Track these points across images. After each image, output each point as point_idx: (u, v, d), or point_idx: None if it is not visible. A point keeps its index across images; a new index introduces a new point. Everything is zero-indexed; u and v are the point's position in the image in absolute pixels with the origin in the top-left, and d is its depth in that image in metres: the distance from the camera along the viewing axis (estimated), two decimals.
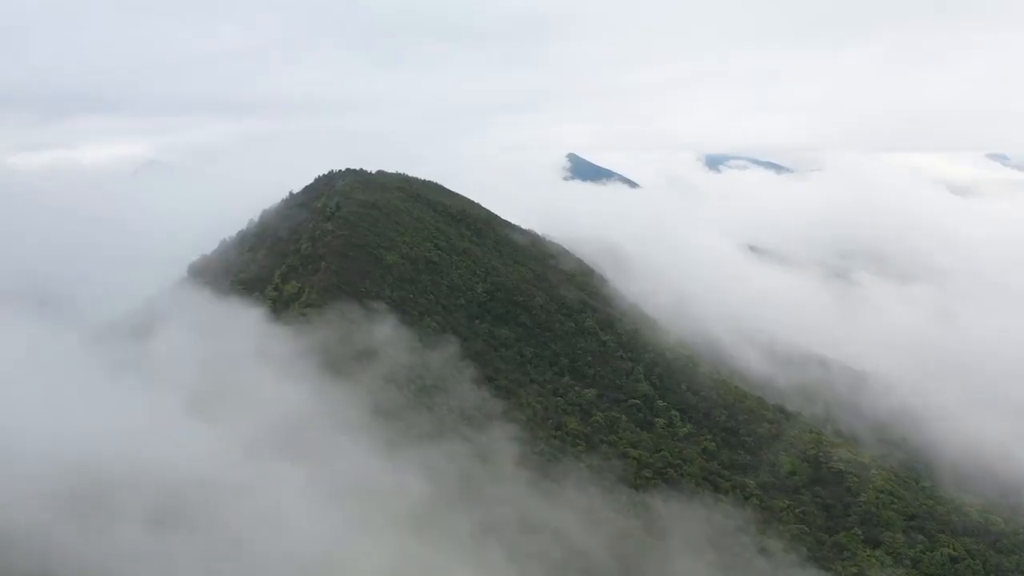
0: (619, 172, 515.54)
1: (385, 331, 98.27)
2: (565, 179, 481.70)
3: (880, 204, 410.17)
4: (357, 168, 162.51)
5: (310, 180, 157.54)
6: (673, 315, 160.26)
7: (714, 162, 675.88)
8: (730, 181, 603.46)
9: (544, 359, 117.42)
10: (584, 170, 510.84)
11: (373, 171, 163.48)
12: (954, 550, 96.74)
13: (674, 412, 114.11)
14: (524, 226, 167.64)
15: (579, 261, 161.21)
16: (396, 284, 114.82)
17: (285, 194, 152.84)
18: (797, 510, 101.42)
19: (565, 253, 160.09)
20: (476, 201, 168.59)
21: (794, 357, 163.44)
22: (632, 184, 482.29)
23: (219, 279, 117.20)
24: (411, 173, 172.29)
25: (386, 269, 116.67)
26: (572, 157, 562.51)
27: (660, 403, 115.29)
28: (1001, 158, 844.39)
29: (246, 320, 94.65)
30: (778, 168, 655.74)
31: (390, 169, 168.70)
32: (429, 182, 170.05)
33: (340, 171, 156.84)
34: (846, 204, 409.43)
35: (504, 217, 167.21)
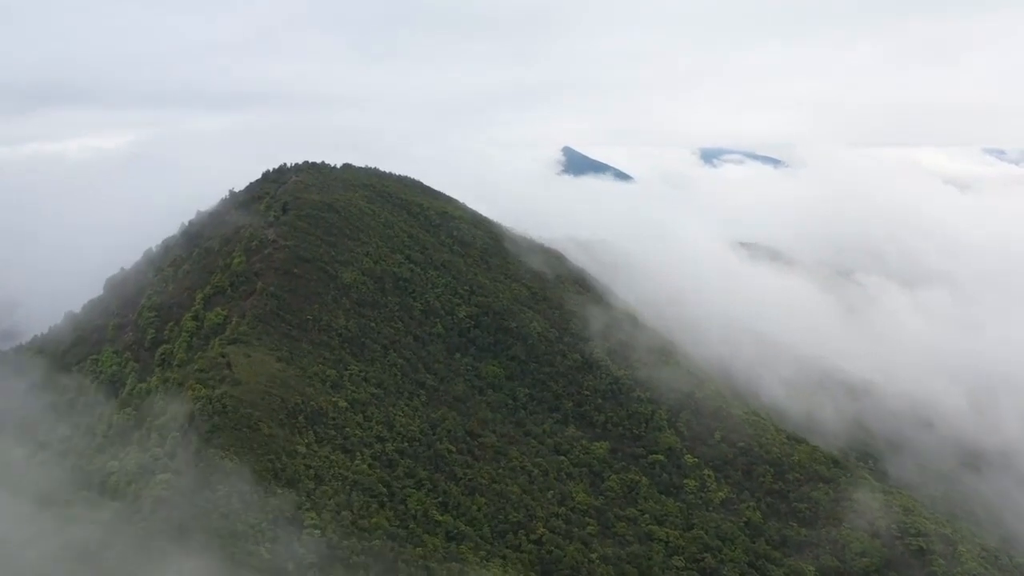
0: (613, 166, 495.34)
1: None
2: (559, 173, 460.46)
3: (877, 199, 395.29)
4: (319, 161, 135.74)
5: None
6: (679, 326, 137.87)
7: (709, 156, 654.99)
8: (725, 176, 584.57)
9: (543, 403, 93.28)
10: (579, 164, 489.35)
11: (339, 165, 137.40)
12: None
13: (707, 471, 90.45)
14: (517, 225, 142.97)
15: (581, 271, 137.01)
16: (353, 309, 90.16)
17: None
18: None
19: (564, 261, 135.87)
20: (463, 200, 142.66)
21: (822, 378, 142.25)
22: (626, 177, 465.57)
23: (128, 302, 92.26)
24: (402, 170, 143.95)
25: (342, 290, 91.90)
26: (567, 151, 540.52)
27: (689, 458, 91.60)
28: (997, 153, 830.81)
29: None
30: (775, 163, 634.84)
31: (382, 167, 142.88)
32: (405, 178, 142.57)
33: (295, 165, 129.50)
34: (842, 199, 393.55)
35: (497, 217, 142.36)
